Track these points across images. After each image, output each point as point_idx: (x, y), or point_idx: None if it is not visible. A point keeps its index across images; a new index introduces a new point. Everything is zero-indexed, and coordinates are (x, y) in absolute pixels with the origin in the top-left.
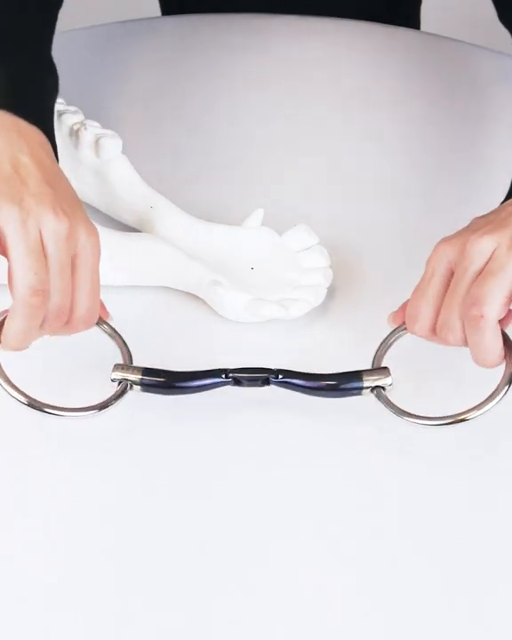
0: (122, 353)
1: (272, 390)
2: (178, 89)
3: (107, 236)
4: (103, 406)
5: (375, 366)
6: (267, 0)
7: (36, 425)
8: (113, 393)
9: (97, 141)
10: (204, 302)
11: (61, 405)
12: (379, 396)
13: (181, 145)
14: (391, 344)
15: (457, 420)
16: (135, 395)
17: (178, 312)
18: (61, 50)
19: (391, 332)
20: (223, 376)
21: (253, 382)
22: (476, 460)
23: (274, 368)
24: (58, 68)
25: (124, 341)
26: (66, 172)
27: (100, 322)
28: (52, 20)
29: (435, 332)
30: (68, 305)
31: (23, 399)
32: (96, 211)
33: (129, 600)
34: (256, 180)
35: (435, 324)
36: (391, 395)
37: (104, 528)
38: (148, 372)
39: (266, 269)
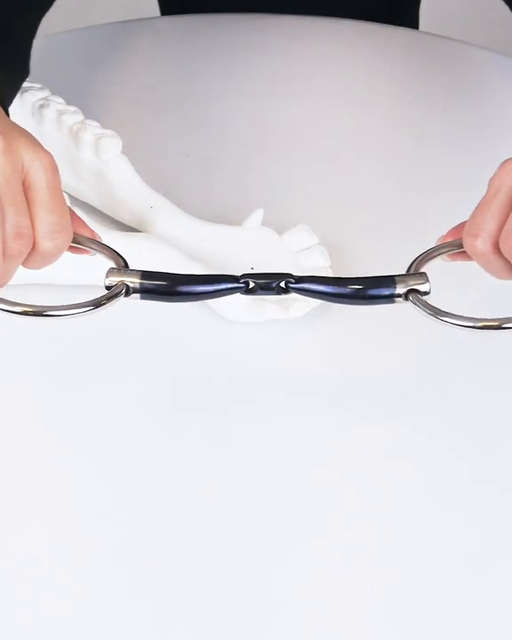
0: (116, 263)
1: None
2: (178, 89)
3: (107, 236)
4: (97, 304)
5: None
6: (267, 0)
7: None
8: (106, 293)
9: (97, 141)
10: (204, 302)
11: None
12: (416, 302)
13: (181, 145)
14: (433, 257)
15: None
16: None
17: (178, 312)
18: (61, 50)
19: (436, 247)
20: (235, 281)
21: (268, 289)
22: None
23: (293, 274)
24: (58, 68)
25: (117, 254)
26: (66, 173)
27: (84, 242)
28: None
29: (496, 248)
30: (25, 223)
31: (17, 309)
32: (96, 211)
33: (130, 588)
34: (256, 179)
35: (497, 238)
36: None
37: (104, 522)
38: (148, 275)
39: (266, 269)
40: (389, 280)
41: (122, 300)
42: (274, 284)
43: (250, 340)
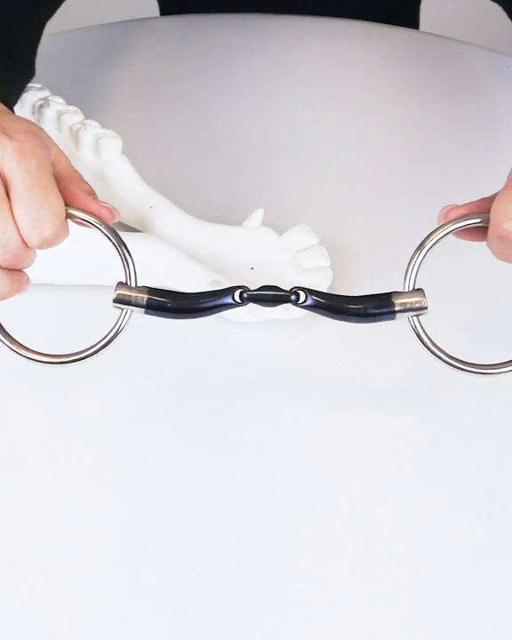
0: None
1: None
2: (178, 89)
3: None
4: (110, 341)
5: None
6: (267, 0)
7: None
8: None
9: (97, 141)
10: None
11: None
12: (415, 326)
13: (181, 145)
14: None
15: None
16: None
17: None
18: (62, 50)
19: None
20: (237, 297)
21: (270, 304)
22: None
23: (298, 289)
24: (58, 68)
25: (127, 255)
26: None
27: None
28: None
29: None
30: (8, 232)
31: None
32: None
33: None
34: (256, 180)
35: None
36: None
37: (103, 520)
38: (155, 292)
39: (266, 269)
40: (387, 298)
41: (131, 320)
42: (277, 303)
43: (250, 340)
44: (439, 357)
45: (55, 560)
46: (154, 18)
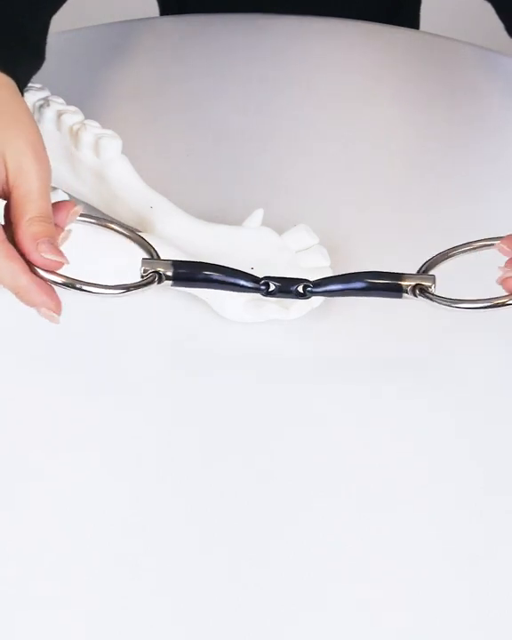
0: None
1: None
2: (178, 89)
3: (107, 236)
4: (130, 288)
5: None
6: (267, 0)
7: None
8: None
9: (97, 141)
10: (204, 302)
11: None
12: (428, 296)
13: (181, 145)
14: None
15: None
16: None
17: (178, 312)
18: (61, 50)
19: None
20: (256, 282)
21: (286, 292)
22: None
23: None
24: (58, 68)
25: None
26: (66, 173)
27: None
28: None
29: None
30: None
31: (58, 279)
32: (96, 211)
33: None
34: (256, 180)
35: None
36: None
37: (103, 519)
38: (179, 264)
39: (266, 269)
40: (398, 277)
41: (154, 286)
42: (292, 288)
43: (250, 340)
44: (465, 308)
45: (55, 560)
46: (154, 18)
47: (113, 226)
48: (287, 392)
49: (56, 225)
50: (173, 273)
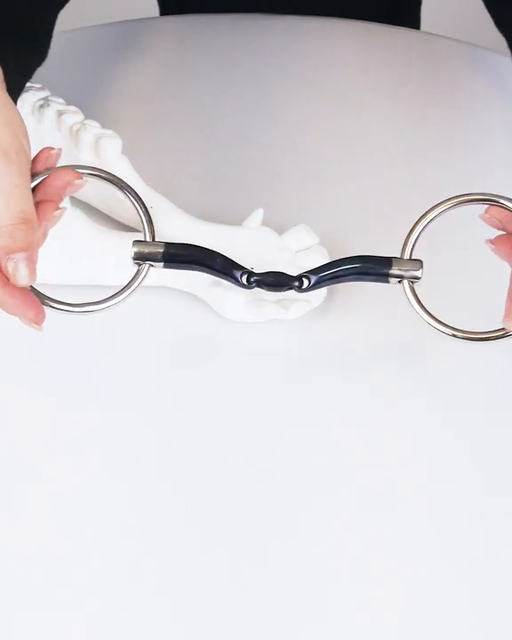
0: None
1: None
2: (178, 89)
3: (107, 236)
4: (129, 285)
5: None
6: (267, 0)
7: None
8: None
9: (97, 141)
10: (204, 302)
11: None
12: (407, 288)
13: (181, 145)
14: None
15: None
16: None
17: (178, 312)
18: (61, 50)
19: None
20: (245, 277)
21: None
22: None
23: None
24: (58, 68)
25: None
26: None
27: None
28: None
29: None
30: None
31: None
32: (96, 211)
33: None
34: (256, 179)
35: None
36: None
37: (102, 518)
38: (170, 245)
39: (266, 269)
40: (386, 261)
41: (150, 272)
42: (285, 286)
43: (250, 340)
44: (432, 325)
45: (55, 561)
46: (154, 18)
47: (125, 190)
48: (287, 392)
49: (50, 200)
50: (164, 253)
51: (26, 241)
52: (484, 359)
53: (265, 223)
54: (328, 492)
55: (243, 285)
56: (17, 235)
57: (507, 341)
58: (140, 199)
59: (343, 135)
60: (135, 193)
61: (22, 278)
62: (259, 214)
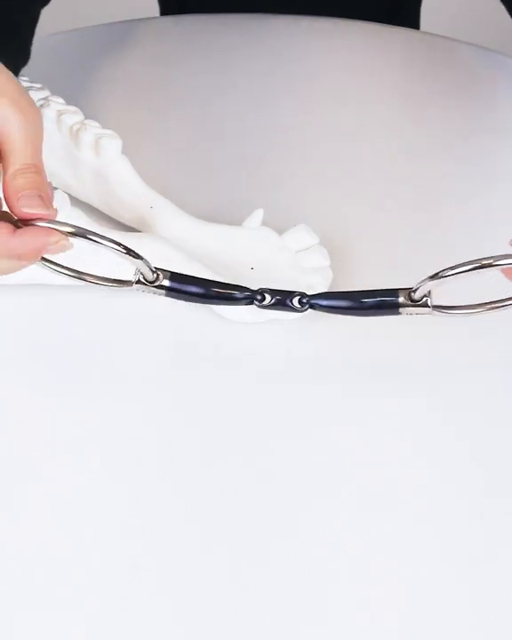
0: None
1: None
2: (178, 89)
3: (107, 235)
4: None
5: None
6: (267, 0)
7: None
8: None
9: (97, 141)
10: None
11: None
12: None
13: (181, 145)
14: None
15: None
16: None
17: (178, 312)
18: (62, 50)
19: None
20: (244, 295)
21: (279, 307)
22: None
23: (302, 292)
24: (58, 68)
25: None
26: (66, 173)
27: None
28: None
29: None
30: None
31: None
32: (96, 211)
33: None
34: (256, 180)
35: None
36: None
37: (102, 518)
38: (176, 277)
39: (266, 269)
40: (394, 293)
41: (146, 291)
42: (288, 301)
43: (250, 340)
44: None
45: (55, 561)
46: (154, 18)
47: (103, 241)
48: (287, 392)
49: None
50: (169, 285)
51: (35, 181)
52: (485, 359)
53: (265, 223)
54: (328, 492)
55: (256, 301)
56: (28, 176)
57: None
58: (120, 243)
59: (343, 135)
60: (112, 240)
61: (34, 207)
62: (259, 214)
